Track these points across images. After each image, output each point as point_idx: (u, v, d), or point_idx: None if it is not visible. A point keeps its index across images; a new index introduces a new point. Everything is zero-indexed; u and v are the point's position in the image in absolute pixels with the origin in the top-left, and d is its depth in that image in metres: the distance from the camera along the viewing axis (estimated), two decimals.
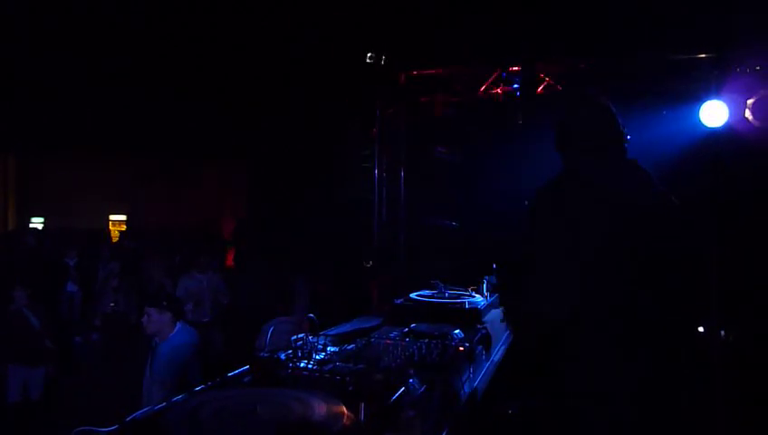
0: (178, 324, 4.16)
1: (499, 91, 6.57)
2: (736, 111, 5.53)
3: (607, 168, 2.37)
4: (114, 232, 15.43)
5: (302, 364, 2.13)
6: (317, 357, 2.30)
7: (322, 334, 2.62)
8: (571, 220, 2.29)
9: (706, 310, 5.22)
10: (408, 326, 3.06)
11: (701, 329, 5.85)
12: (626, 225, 2.21)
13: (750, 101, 5.53)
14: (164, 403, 1.58)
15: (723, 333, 5.70)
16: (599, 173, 2.35)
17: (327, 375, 1.97)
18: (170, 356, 3.99)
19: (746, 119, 5.53)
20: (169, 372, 3.95)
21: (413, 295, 3.88)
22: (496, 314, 3.99)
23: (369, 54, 6.36)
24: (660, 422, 2.13)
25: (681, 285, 2.29)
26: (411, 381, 1.99)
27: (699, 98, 5.65)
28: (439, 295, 3.91)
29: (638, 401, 2.13)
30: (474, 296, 3.93)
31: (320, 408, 1.53)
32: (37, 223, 14.93)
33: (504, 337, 4.06)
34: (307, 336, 2.46)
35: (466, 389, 2.57)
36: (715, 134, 5.62)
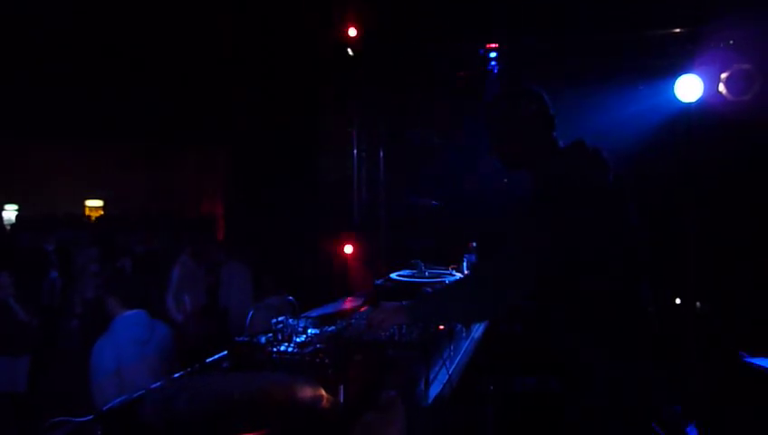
0: (127, 313, 3.67)
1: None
2: (711, 85, 5.57)
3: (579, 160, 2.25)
4: (92, 218, 15.25)
5: (281, 348, 2.12)
6: (297, 340, 2.30)
7: (303, 317, 2.61)
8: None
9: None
10: None
11: (677, 301, 5.98)
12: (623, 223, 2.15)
13: (724, 76, 5.57)
14: (142, 391, 1.58)
15: (698, 304, 5.81)
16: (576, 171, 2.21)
17: (307, 358, 1.97)
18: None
19: (720, 93, 5.57)
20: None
21: (393, 276, 3.88)
22: None
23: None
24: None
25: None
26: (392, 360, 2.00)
27: (675, 73, 5.67)
28: (419, 275, 3.91)
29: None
30: (454, 275, 3.94)
31: (298, 390, 1.53)
32: (11, 209, 14.68)
33: None
34: (287, 319, 2.45)
35: (447, 367, 2.59)
36: (689, 109, 5.67)
